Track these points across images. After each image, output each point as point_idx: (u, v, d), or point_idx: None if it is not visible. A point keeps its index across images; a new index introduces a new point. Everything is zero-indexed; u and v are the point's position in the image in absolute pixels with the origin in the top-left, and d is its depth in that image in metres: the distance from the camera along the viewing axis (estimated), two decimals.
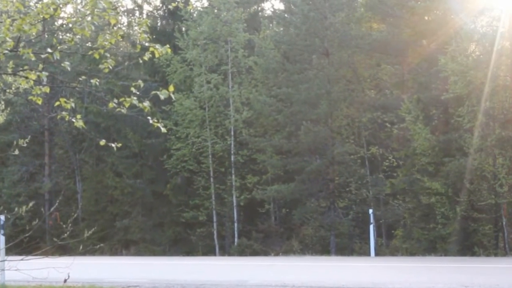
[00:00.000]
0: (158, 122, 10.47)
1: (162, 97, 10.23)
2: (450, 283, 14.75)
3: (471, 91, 29.02)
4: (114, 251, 38.92)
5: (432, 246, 30.57)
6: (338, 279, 16.61)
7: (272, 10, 48.09)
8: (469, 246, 29.93)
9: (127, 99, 10.34)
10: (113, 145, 11.12)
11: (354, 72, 36.60)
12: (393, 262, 24.66)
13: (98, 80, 11.12)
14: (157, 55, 10.60)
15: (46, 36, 42.38)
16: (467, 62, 29.17)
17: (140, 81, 10.43)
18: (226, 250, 38.06)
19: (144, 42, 30.36)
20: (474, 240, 30.19)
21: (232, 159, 39.15)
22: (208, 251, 38.29)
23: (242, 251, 36.01)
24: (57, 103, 10.83)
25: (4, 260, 15.20)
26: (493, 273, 18.45)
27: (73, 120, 10.52)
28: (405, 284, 14.92)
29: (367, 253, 28.38)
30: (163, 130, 10.52)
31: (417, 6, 33.71)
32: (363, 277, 17.91)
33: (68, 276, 13.55)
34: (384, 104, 35.55)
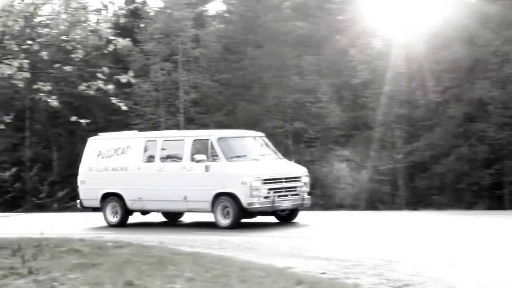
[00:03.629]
0: (120, 102, 10.59)
1: (123, 80, 10.32)
2: None
3: (375, 77, 29.61)
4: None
5: (344, 202, 30.66)
6: None
7: (215, 10, 46.84)
8: (372, 202, 30.28)
9: (94, 83, 10.50)
10: (82, 121, 11.25)
11: (282, 61, 36.24)
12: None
13: (70, 67, 11.45)
14: (119, 47, 10.74)
15: (27, 30, 41.20)
16: (371, 53, 29.75)
17: (105, 68, 10.49)
18: None
19: (109, 36, 29.91)
20: (376, 197, 30.63)
21: None
22: None
23: None
24: (36, 86, 10.92)
25: None
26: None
27: (49, 100, 10.51)
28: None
29: None
30: (124, 108, 10.61)
31: (332, 8, 34.50)
32: None
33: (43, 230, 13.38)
34: (305, 87, 35.20)
